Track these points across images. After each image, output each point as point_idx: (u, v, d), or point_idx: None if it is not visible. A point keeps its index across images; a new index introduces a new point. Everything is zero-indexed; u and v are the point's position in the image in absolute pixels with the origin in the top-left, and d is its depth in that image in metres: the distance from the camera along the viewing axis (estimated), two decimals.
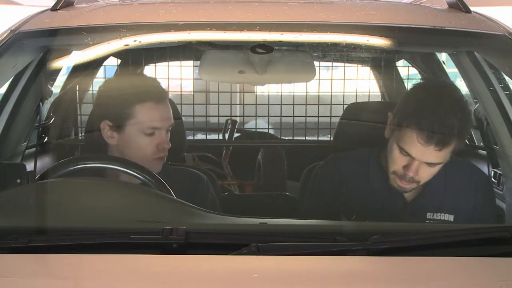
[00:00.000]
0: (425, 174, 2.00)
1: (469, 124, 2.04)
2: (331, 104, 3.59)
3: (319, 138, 3.65)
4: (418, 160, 1.96)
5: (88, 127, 2.31)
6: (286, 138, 3.77)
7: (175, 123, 2.13)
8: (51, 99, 2.88)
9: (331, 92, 3.63)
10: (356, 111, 2.78)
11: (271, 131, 3.84)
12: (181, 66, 3.56)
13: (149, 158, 2.05)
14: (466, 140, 2.56)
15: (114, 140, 2.07)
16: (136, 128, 2.04)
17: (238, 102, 3.73)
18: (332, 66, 3.67)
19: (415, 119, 1.95)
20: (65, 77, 2.85)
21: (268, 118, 3.73)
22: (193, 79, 3.70)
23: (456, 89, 2.11)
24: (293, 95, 3.69)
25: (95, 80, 3.39)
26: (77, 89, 3.20)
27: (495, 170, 2.58)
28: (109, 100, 2.14)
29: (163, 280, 1.34)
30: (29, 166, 2.30)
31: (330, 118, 3.49)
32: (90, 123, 2.26)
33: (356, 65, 3.69)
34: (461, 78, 2.60)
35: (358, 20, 2.09)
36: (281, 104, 3.64)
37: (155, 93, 2.12)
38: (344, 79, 3.63)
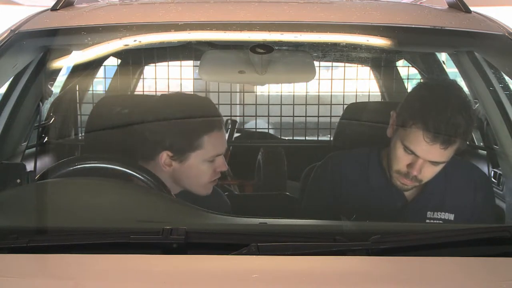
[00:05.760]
0: (428, 173, 2.01)
1: (473, 123, 2.05)
2: (331, 104, 3.59)
3: (319, 138, 3.65)
4: (423, 158, 1.97)
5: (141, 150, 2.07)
6: (286, 138, 3.77)
7: None
8: (51, 99, 2.88)
9: (331, 92, 3.63)
10: (356, 111, 2.78)
11: (271, 131, 3.84)
12: (181, 66, 3.56)
13: (205, 182, 2.03)
14: (467, 141, 2.56)
15: (171, 169, 2.00)
16: (200, 158, 1.99)
17: (238, 102, 3.73)
18: (332, 66, 3.67)
19: (421, 118, 1.95)
20: (65, 77, 2.84)
21: (268, 118, 3.73)
22: (193, 79, 3.70)
23: (460, 88, 2.11)
24: (293, 95, 3.69)
25: (95, 80, 3.40)
26: (77, 89, 3.20)
27: (495, 170, 2.58)
28: (171, 130, 2.03)
29: (163, 280, 1.34)
30: (29, 166, 2.31)
31: (330, 118, 3.49)
32: (144, 147, 2.06)
33: (356, 65, 3.69)
34: (461, 78, 2.60)
35: (358, 20, 2.09)
36: (281, 104, 3.64)
37: (218, 120, 2.09)
38: (344, 79, 3.63)
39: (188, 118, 2.10)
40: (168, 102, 2.25)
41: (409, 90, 3.54)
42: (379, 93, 3.82)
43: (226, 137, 2.08)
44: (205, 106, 2.19)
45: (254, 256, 1.41)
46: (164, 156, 1.99)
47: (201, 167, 2.01)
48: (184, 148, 1.99)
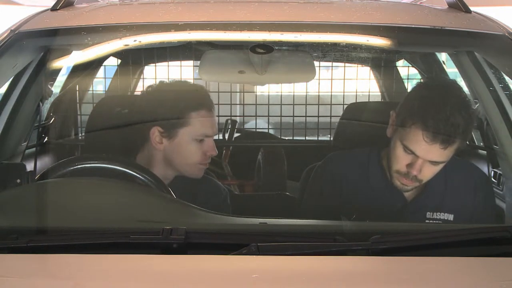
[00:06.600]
0: (428, 172, 2.01)
1: (473, 123, 2.05)
2: (331, 104, 3.59)
3: (319, 138, 3.65)
4: (423, 158, 1.97)
5: (131, 131, 2.22)
6: (286, 138, 3.77)
7: None
8: (51, 99, 2.88)
9: (331, 92, 3.63)
10: (356, 111, 2.78)
11: (271, 131, 3.84)
12: (181, 66, 3.55)
13: (195, 164, 2.10)
14: (467, 140, 2.56)
15: (162, 146, 2.08)
16: (188, 135, 2.07)
17: (238, 102, 3.73)
18: (332, 66, 3.67)
19: (421, 118, 1.95)
20: (65, 77, 2.85)
21: (268, 118, 3.73)
22: (193, 79, 3.70)
23: (459, 88, 2.11)
24: (293, 95, 3.69)
25: (95, 80, 3.40)
26: (77, 89, 3.20)
27: (495, 170, 2.58)
28: (160, 107, 2.14)
29: (163, 280, 1.34)
30: (29, 166, 2.30)
31: (330, 118, 3.49)
32: (134, 127, 2.21)
33: (356, 65, 3.69)
34: (461, 78, 2.60)
35: (358, 20, 2.09)
36: (281, 104, 3.64)
37: (207, 101, 2.17)
38: (344, 79, 3.63)
39: (178, 97, 2.17)
40: (162, 86, 2.36)
41: (409, 90, 3.54)
42: (379, 93, 3.81)
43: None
44: (196, 89, 2.29)
45: (254, 256, 1.41)
46: (156, 132, 2.07)
47: (189, 146, 2.08)
48: (173, 123, 2.07)
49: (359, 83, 3.68)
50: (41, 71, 2.33)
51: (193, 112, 2.08)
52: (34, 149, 2.62)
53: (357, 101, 3.58)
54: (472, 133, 2.87)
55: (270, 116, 3.67)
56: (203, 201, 2.03)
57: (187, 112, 2.07)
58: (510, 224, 2.26)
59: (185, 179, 2.11)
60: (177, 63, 3.57)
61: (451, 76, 3.05)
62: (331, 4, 2.34)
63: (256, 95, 3.72)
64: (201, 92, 2.23)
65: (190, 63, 3.53)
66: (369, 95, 3.71)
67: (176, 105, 2.12)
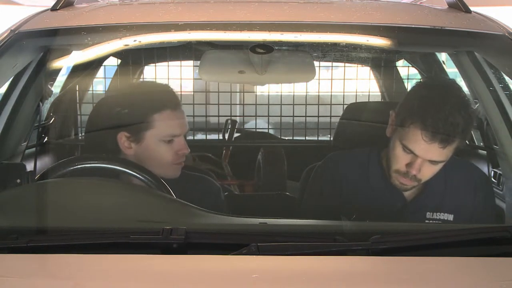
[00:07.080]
0: (427, 172, 2.01)
1: (472, 123, 2.05)
2: (331, 104, 3.59)
3: (319, 138, 3.65)
4: (422, 157, 1.97)
5: (100, 137, 2.18)
6: (286, 138, 3.77)
7: None
8: (51, 99, 2.88)
9: (331, 92, 3.63)
10: (356, 111, 2.78)
11: (271, 131, 3.84)
12: (181, 66, 3.55)
13: (168, 164, 2.05)
14: (466, 140, 2.57)
15: (132, 150, 2.04)
16: (154, 138, 2.03)
17: (238, 102, 3.73)
18: (332, 66, 3.67)
19: (420, 117, 1.95)
20: (65, 77, 2.85)
21: (268, 118, 3.73)
22: (193, 79, 3.70)
23: (459, 88, 2.11)
24: (293, 95, 3.69)
25: (95, 80, 3.40)
26: (77, 89, 3.20)
27: (495, 170, 2.58)
28: (123, 111, 2.09)
29: (163, 280, 1.34)
30: (29, 166, 2.30)
31: (330, 118, 3.49)
32: (102, 133, 2.17)
33: (356, 65, 3.69)
34: (461, 78, 2.60)
35: (358, 20, 2.09)
36: (281, 104, 3.64)
37: (171, 101, 2.11)
38: (344, 79, 3.63)
39: (140, 99, 2.13)
40: (126, 88, 2.33)
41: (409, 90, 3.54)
42: (379, 93, 3.81)
43: (186, 120, 2.11)
44: (159, 89, 2.26)
45: (254, 256, 1.41)
46: (123, 138, 2.03)
47: (158, 148, 2.03)
48: (137, 127, 2.03)
49: (359, 83, 3.68)
50: (41, 71, 2.33)
51: (156, 114, 2.03)
52: (34, 149, 2.61)
53: (357, 101, 3.58)
54: (472, 133, 2.87)
55: (270, 116, 3.67)
56: (196, 199, 2.02)
57: (150, 114, 2.03)
58: (510, 224, 2.26)
59: (176, 179, 2.08)
60: (177, 63, 3.57)
61: (451, 76, 3.05)
62: (331, 4, 2.34)
63: (256, 95, 3.72)
64: (165, 93, 2.18)
65: (190, 63, 3.53)
66: (369, 95, 3.71)
67: (138, 108, 2.07)
